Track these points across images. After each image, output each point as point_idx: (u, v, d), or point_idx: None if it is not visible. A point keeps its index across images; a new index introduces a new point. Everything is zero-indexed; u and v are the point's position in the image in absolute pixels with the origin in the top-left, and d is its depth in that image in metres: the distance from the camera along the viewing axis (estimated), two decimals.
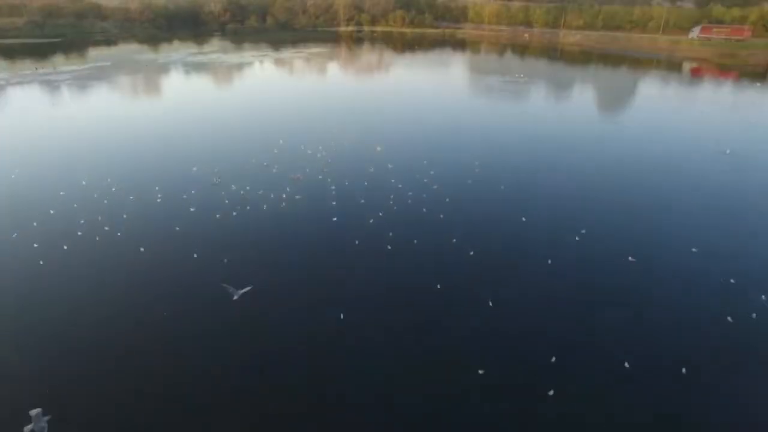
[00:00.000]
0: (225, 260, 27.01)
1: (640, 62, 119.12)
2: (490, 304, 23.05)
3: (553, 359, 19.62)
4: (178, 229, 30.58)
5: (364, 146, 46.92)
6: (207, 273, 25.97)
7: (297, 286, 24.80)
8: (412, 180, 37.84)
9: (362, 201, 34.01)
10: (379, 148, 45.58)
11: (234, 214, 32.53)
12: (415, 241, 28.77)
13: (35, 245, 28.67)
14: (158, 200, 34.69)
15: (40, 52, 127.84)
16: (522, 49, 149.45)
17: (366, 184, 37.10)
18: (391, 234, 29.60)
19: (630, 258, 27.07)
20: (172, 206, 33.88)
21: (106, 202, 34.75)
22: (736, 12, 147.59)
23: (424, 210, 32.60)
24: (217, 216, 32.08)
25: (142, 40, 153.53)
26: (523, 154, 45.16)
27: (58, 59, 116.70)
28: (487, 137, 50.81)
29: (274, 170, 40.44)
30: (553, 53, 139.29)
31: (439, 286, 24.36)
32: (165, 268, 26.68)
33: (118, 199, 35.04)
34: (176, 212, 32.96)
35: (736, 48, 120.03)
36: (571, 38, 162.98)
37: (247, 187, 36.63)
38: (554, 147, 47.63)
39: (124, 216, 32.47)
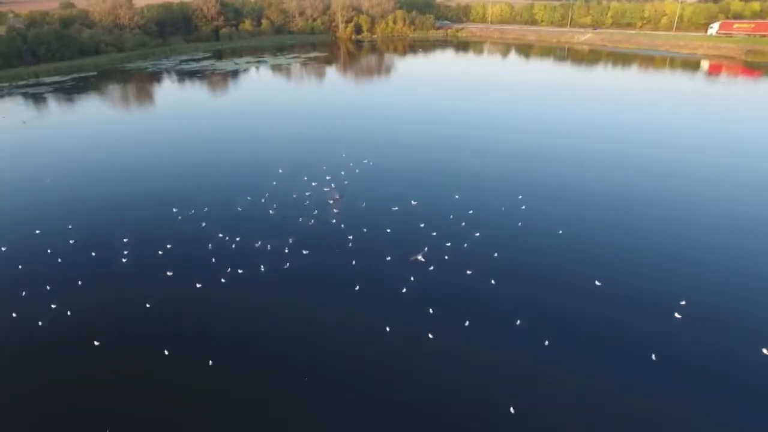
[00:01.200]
0: (210, 362, 19.56)
1: (660, 61, 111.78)
2: None
3: None
4: (148, 306, 23.13)
5: (379, 175, 39.31)
6: (184, 384, 18.56)
7: (311, 408, 17.36)
8: (445, 224, 30.34)
9: (388, 258, 26.53)
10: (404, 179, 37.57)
11: (222, 281, 25.05)
12: (467, 324, 21.35)
13: None
14: (125, 260, 27.19)
15: (22, 62, 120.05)
16: (532, 50, 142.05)
17: (389, 231, 29.60)
18: (431, 311, 22.18)
19: (765, 351, 19.66)
20: (142, 269, 26.42)
21: (60, 261, 27.33)
22: (756, 6, 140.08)
23: (469, 272, 25.13)
24: (199, 285, 24.60)
25: (132, 47, 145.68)
26: (575, 183, 37.20)
27: (41, 69, 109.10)
28: (527, 161, 42.38)
29: (272, 211, 32.92)
30: (561, 53, 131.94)
31: (513, 410, 16.93)
32: (126, 372, 19.25)
33: (75, 258, 27.58)
34: (147, 278, 25.50)
35: (763, 44, 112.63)
36: (580, 37, 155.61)
37: (238, 238, 29.11)
38: (613, 174, 38.91)
39: (79, 283, 25.06)
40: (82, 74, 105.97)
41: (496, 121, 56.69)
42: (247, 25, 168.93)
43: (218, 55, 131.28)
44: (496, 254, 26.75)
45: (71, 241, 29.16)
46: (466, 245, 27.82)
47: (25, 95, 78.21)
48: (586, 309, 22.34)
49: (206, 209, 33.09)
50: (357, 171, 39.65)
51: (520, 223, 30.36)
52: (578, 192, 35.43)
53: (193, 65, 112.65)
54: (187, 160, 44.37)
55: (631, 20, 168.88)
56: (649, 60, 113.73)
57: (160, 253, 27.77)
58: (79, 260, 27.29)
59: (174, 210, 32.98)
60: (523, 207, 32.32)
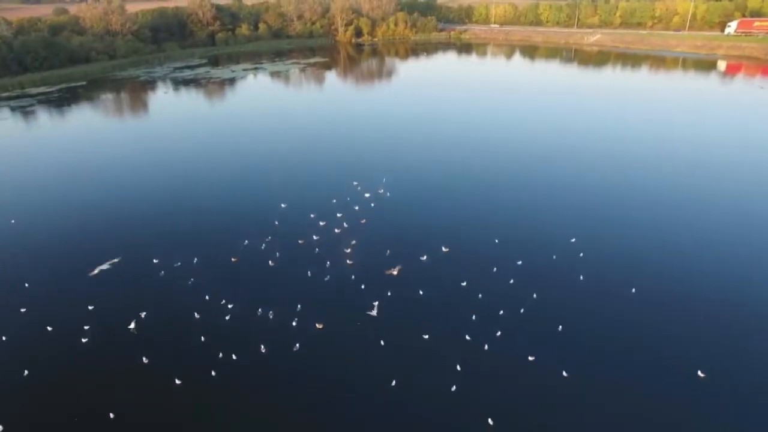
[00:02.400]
0: None
1: (679, 63, 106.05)
2: None
3: None
4: (112, 417, 17.28)
5: (399, 210, 33.15)
6: None
7: None
8: (490, 280, 24.48)
9: (426, 336, 20.65)
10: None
11: (212, 374, 19.12)
12: None
13: None
14: (85, 339, 21.23)
15: (8, 72, 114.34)
16: (542, 53, 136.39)
17: (422, 293, 23.67)
18: (491, 423, 16.37)
19: None
20: (107, 353, 20.53)
21: (4, 340, 21.47)
22: None
23: (532, 359, 19.23)
24: (179, 382, 18.70)
25: (124, 54, 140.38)
26: (637, 218, 30.90)
27: (27, 80, 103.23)
28: (572, 190, 35.76)
29: (273, 263, 26.97)
30: (572, 55, 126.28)
31: None
32: None
33: (24, 335, 21.68)
34: (113, 370, 19.60)
35: None
36: (590, 38, 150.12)
37: (232, 305, 23.12)
38: (680, 203, 32.46)
39: (25, 375, 19.23)
40: (71, 84, 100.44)
41: (522, 137, 50.26)
42: (244, 29, 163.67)
43: (214, 61, 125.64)
44: (560, 327, 20.93)
45: (22, 310, 23.30)
46: (522, 311, 22.02)
47: (7, 109, 72.41)
48: (695, 420, 16.50)
49: (195, 260, 27.27)
50: (372, 205, 33.71)
51: (581, 277, 24.54)
52: (642, 230, 29.50)
53: (188, 73, 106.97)
54: (175, 192, 38.29)
55: (641, 20, 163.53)
56: (666, 62, 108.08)
57: (130, 327, 21.90)
58: (28, 339, 21.49)
59: (155, 261, 27.13)
60: (581, 254, 26.40)
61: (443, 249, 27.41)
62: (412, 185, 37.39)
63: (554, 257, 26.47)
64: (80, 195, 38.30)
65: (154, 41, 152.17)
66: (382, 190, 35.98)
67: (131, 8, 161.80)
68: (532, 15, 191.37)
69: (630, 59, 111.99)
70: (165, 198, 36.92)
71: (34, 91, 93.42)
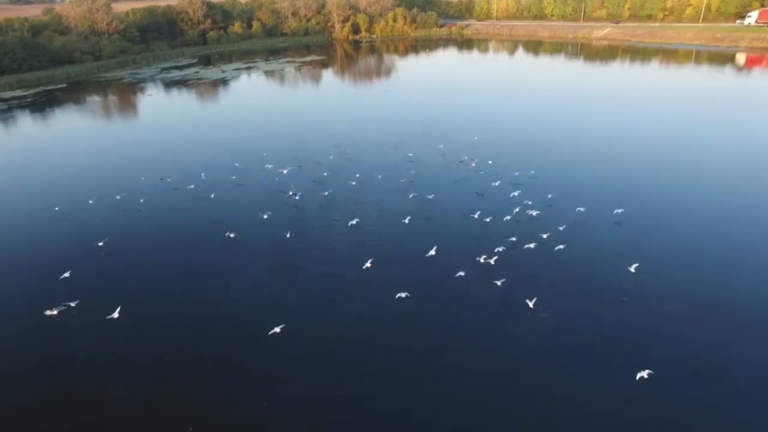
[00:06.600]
0: None
1: (698, 56, 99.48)
2: None
3: None
4: None
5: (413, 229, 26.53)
6: None
7: None
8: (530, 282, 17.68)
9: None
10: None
11: None
12: None
13: None
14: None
15: None
16: (549, 48, 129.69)
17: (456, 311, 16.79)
18: None
19: None
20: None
21: None
22: None
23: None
24: None
25: (110, 54, 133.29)
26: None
27: (3, 82, 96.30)
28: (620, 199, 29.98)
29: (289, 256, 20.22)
30: (583, 50, 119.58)
31: None
32: None
33: None
34: None
35: None
36: (599, 32, 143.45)
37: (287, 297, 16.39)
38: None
39: None
40: (50, 87, 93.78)
41: (543, 137, 44.58)
42: (237, 27, 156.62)
43: (205, 61, 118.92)
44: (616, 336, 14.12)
45: None
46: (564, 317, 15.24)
47: None
48: None
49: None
50: (375, 230, 26.78)
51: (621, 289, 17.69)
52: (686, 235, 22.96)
53: (176, 74, 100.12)
54: (153, 212, 31.70)
55: (652, 12, 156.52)
56: (682, 55, 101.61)
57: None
58: None
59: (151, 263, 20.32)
60: (624, 253, 19.38)
61: (482, 260, 20.94)
62: (420, 197, 31.05)
63: (625, 300, 19.78)
64: (51, 204, 32.44)
65: (142, 41, 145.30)
66: (404, 217, 29.03)
67: (122, 7, 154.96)
68: (536, 9, 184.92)
69: (642, 54, 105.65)
70: (142, 219, 30.54)
71: (7, 95, 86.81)
